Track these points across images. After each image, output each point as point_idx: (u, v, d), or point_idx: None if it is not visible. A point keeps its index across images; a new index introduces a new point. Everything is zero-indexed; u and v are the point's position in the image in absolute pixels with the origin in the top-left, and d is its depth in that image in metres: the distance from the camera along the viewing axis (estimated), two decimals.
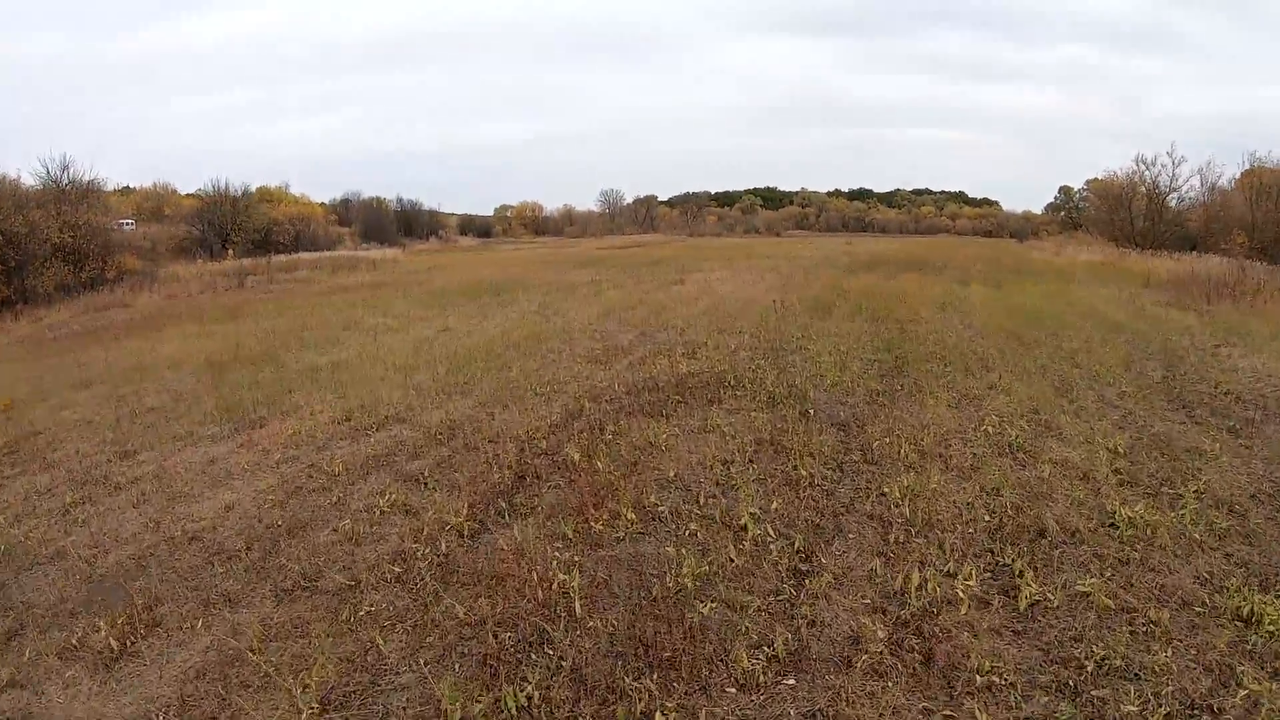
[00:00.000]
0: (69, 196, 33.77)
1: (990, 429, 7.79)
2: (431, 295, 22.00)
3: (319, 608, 4.69)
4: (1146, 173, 47.14)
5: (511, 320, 16.02)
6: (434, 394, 9.72)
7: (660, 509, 5.78)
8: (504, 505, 5.96)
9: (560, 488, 6.35)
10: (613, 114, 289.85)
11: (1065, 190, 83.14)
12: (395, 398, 9.55)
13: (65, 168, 35.80)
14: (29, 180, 34.67)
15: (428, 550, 5.24)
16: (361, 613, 4.54)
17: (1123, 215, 48.73)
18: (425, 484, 6.56)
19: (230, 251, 41.73)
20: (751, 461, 6.83)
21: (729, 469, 6.63)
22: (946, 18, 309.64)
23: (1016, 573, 4.84)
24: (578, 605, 4.46)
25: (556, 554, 5.10)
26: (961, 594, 4.57)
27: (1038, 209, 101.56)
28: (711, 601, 4.55)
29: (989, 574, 4.91)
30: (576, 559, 5.03)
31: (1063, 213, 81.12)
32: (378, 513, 5.98)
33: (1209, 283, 20.89)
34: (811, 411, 8.33)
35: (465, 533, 5.53)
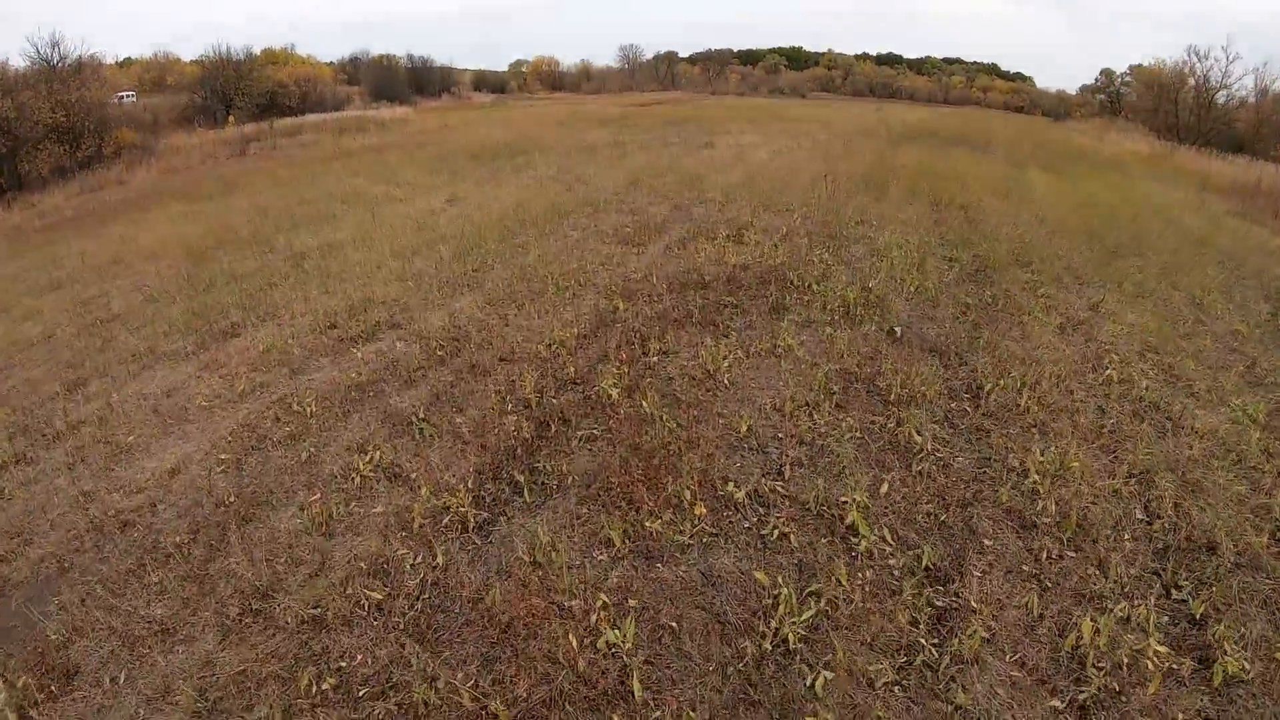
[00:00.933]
0: (60, 74, 31.41)
1: (1115, 374, 6.25)
2: (440, 159, 19.96)
3: (272, 655, 3.32)
4: (1198, 65, 43.34)
5: (527, 188, 14.20)
6: (436, 287, 8.13)
7: (736, 494, 4.28)
8: (521, 476, 4.47)
9: (596, 441, 4.88)
10: None
11: (1107, 73, 77.38)
12: (391, 293, 7.96)
13: (55, 44, 33.27)
14: (18, 62, 32.40)
15: (419, 560, 3.81)
16: (326, 683, 3.14)
17: (1168, 107, 45.18)
18: (420, 431, 5.07)
19: (231, 118, 39.24)
20: (840, 408, 5.30)
21: (814, 419, 5.10)
22: None
23: (1198, 617, 3.64)
24: (636, 684, 3.05)
25: (598, 575, 3.67)
26: (1151, 663, 3.31)
27: (1071, 89, 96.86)
28: (827, 669, 3.14)
29: (1167, 618, 3.64)
30: (628, 589, 3.60)
31: (1101, 96, 76.31)
32: (356, 480, 4.53)
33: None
34: (899, 332, 6.76)
35: (470, 525, 4.08)
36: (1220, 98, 42.94)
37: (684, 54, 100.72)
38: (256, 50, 52.65)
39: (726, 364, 5.88)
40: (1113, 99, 71.90)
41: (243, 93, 44.11)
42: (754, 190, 13.61)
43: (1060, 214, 13.08)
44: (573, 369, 5.89)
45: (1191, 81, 44.13)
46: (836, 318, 7.01)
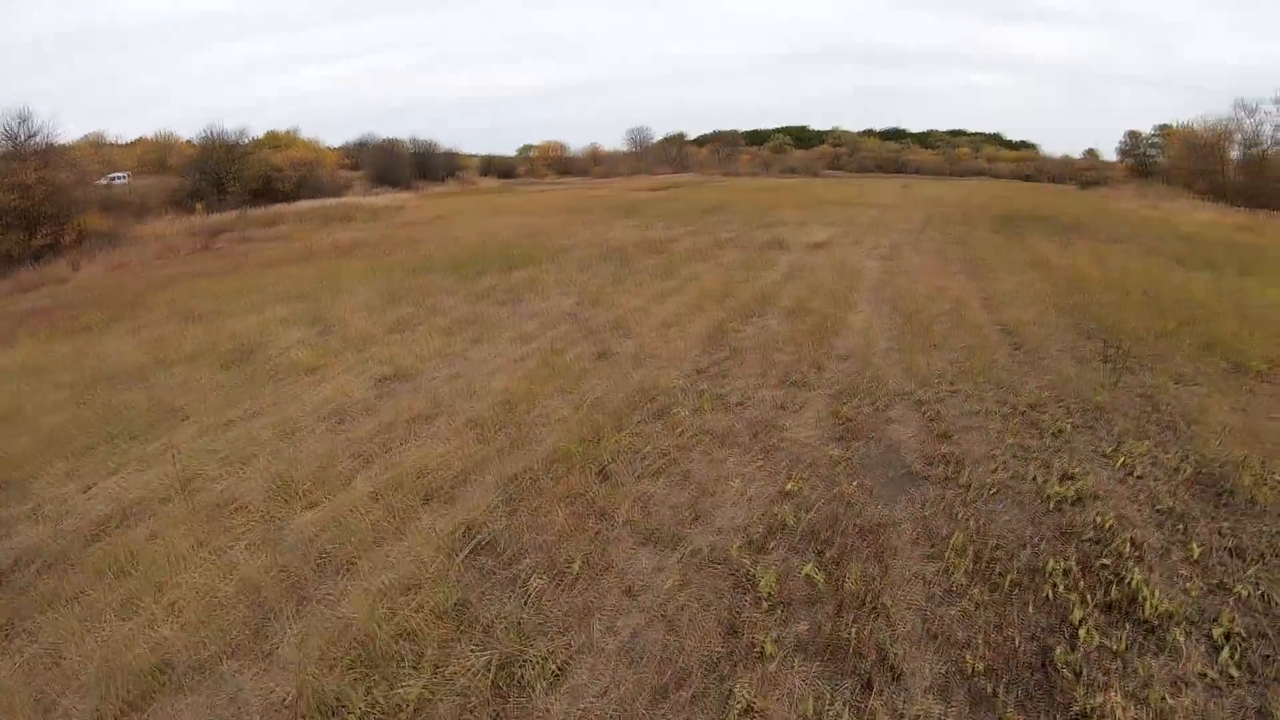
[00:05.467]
0: (22, 153, 25.50)
1: None
2: (413, 271, 13.30)
3: None
4: (1246, 121, 37.06)
5: (528, 354, 7.63)
6: None
7: None
8: None
9: None
10: (639, 58, 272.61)
11: (1133, 135, 70.86)
12: None
13: (23, 120, 27.43)
14: None
15: None
16: None
17: (1215, 167, 38.80)
18: None
19: (200, 206, 33.13)
20: None
21: None
22: None
23: None
24: None
25: None
26: None
27: (1075, 154, 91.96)
28: None
29: None
30: None
31: (1130, 159, 69.89)
32: None
33: None
34: None
35: None
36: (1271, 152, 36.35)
37: (692, 135, 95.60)
38: (259, 133, 47.27)
39: None
40: (1141, 161, 65.65)
41: (235, 176, 38.26)
42: (933, 347, 7.12)
43: None
44: None
45: (1239, 137, 37.81)
46: None
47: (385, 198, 38.88)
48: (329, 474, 4.87)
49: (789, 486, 4.41)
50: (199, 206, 31.71)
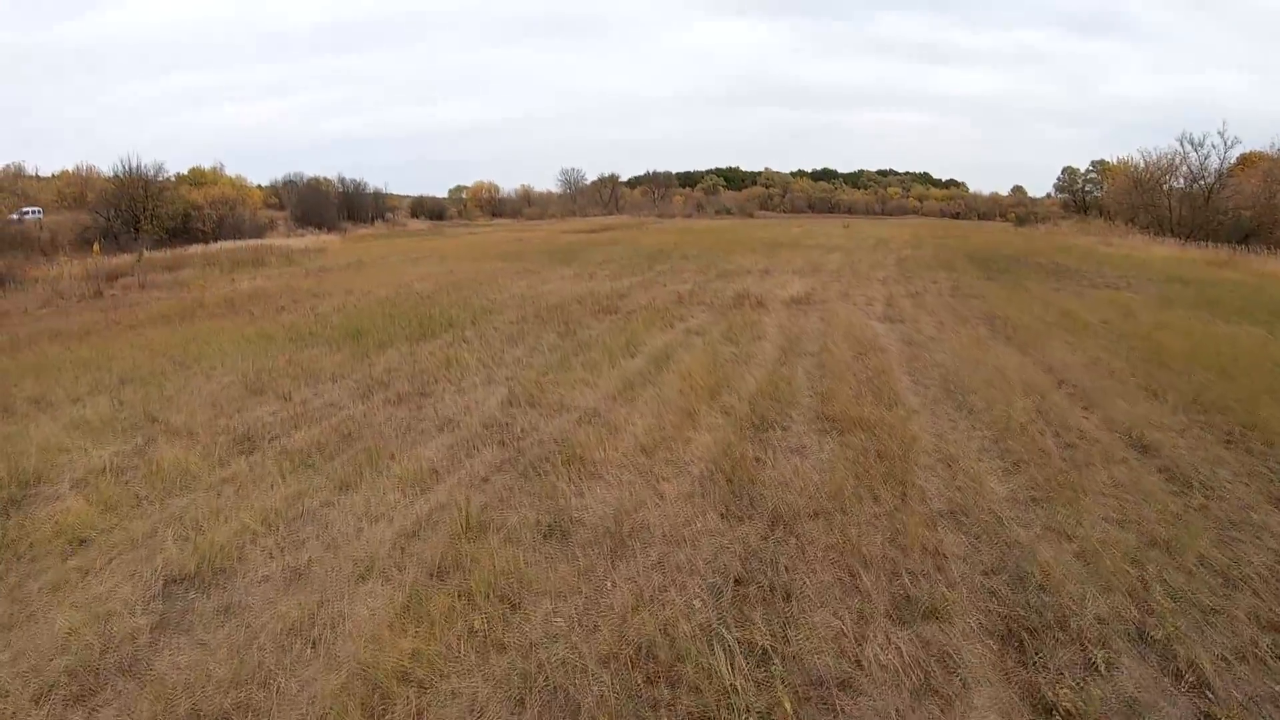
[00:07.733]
0: None
1: None
2: (298, 339, 9.97)
3: None
4: (1193, 154, 36.04)
5: (428, 511, 4.73)
6: None
7: None
8: None
9: None
10: (568, 97, 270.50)
11: (1069, 171, 70.91)
12: None
13: None
14: None
15: None
16: None
17: (1161, 201, 37.72)
18: None
19: (96, 247, 29.59)
20: None
21: None
22: (898, 2, 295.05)
23: None
24: None
25: None
26: None
27: (1000, 190, 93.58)
28: None
29: None
30: None
31: (1066, 195, 69.86)
32: None
33: None
34: None
35: None
36: (1216, 186, 35.41)
37: (624, 176, 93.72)
38: (180, 169, 44.42)
39: None
40: (1079, 196, 65.74)
41: (151, 214, 35.44)
42: (1086, 498, 4.42)
43: None
44: None
45: (1184, 170, 37.03)
46: None
47: (307, 239, 35.87)
48: None
49: None
50: (95, 248, 28.30)
